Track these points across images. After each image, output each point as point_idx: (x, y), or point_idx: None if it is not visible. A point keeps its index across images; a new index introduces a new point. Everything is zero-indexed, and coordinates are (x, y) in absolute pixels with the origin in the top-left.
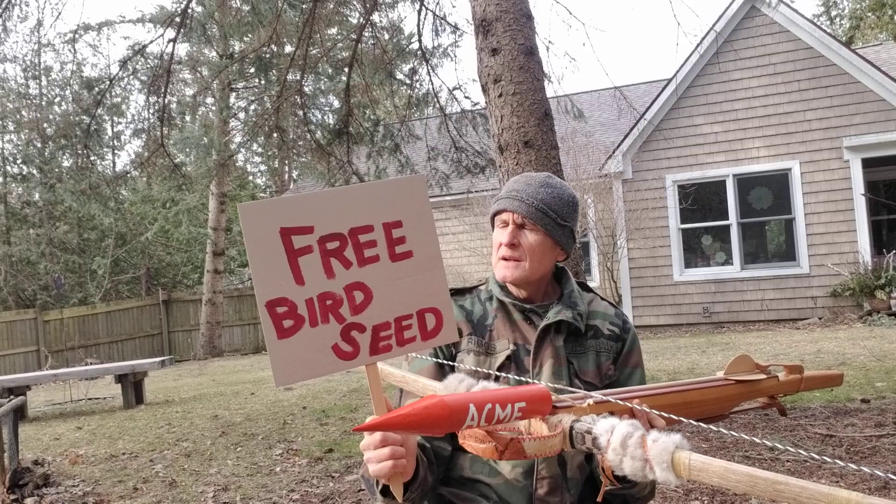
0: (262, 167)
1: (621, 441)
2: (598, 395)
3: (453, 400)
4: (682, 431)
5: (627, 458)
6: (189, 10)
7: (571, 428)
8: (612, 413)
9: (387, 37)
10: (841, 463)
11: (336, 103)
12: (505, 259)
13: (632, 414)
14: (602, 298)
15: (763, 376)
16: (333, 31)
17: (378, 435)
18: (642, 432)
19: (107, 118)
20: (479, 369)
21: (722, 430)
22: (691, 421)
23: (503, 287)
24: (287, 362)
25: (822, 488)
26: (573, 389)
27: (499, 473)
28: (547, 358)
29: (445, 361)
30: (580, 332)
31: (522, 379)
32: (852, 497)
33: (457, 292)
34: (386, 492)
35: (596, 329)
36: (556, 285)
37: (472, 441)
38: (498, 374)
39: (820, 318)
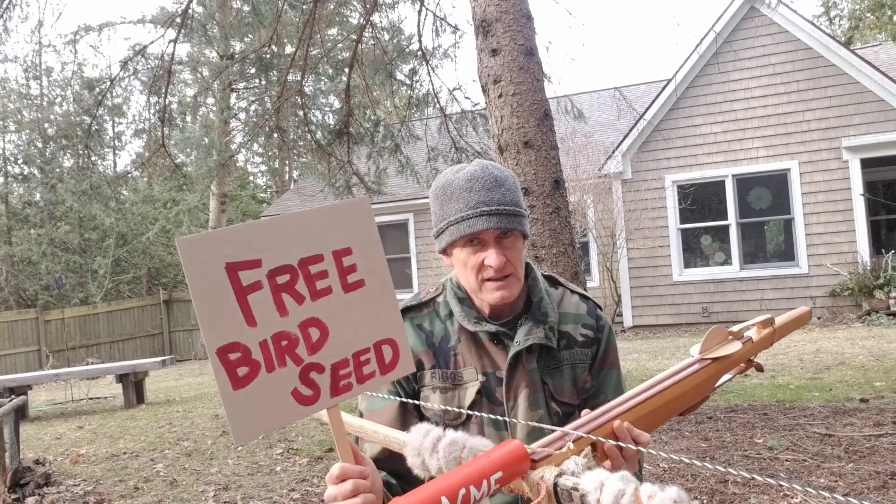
0: (263, 167)
1: (613, 501)
2: (574, 431)
3: (421, 500)
4: (679, 431)
5: None
6: (190, 11)
7: (556, 485)
8: (593, 447)
9: (387, 37)
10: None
11: (336, 104)
12: (495, 280)
13: (614, 436)
14: (572, 291)
15: (738, 344)
16: (334, 31)
17: (348, 484)
18: (635, 486)
19: (108, 118)
20: (448, 408)
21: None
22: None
23: (463, 300)
24: (245, 415)
25: None
26: (552, 428)
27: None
28: (522, 388)
29: (408, 401)
30: (552, 347)
31: (498, 419)
32: None
33: (412, 309)
34: None
35: (569, 338)
36: (523, 284)
37: None
38: (470, 412)
39: (819, 318)
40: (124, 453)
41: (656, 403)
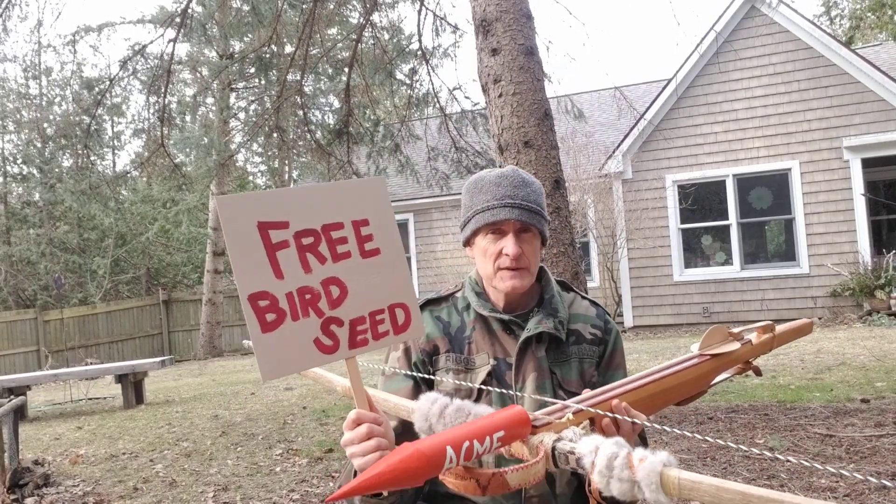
0: (262, 167)
1: (607, 463)
2: (575, 404)
3: (429, 446)
4: (678, 431)
5: (615, 481)
6: (189, 11)
7: (554, 449)
8: (591, 421)
9: (387, 37)
10: (832, 469)
11: (336, 103)
12: (510, 269)
13: (611, 411)
14: (583, 297)
15: (737, 344)
16: (333, 31)
17: (363, 428)
18: (627, 451)
19: (107, 118)
20: (461, 384)
21: (708, 438)
22: (677, 433)
23: (480, 294)
24: (272, 356)
25: (816, 503)
26: (553, 401)
27: None
28: (529, 372)
29: (424, 376)
30: (561, 340)
31: (505, 392)
32: None
33: (432, 302)
34: None
35: (578, 334)
36: (536, 285)
37: (453, 478)
38: (481, 387)
39: (820, 318)
40: (123, 454)
41: (654, 389)
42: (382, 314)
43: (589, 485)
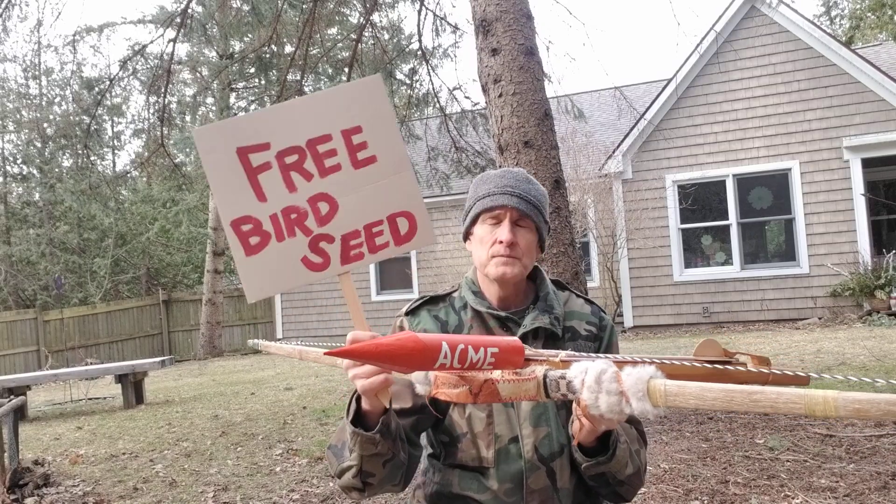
0: None
1: (595, 377)
2: (571, 352)
3: (427, 336)
4: (679, 431)
5: (603, 394)
6: (189, 11)
7: (545, 376)
8: None
9: (387, 37)
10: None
11: None
12: (501, 256)
13: None
14: (578, 296)
15: (730, 362)
16: (333, 31)
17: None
18: (616, 368)
19: (107, 118)
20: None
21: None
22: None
23: (477, 293)
24: (257, 277)
25: (797, 391)
26: (544, 351)
27: (487, 489)
28: None
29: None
30: (557, 336)
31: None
32: (829, 394)
33: (430, 301)
34: (357, 422)
35: (573, 331)
36: (531, 284)
37: (446, 387)
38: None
39: (820, 318)
40: (123, 454)
41: None
42: (380, 226)
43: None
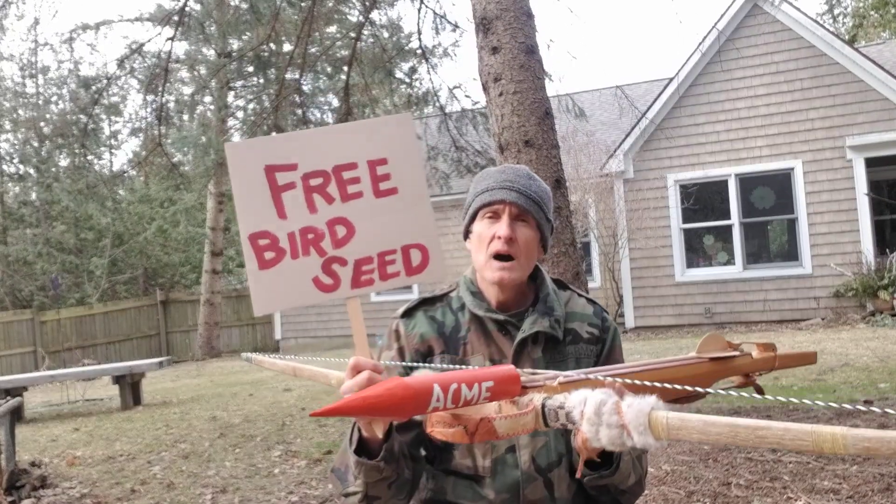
0: None
1: (595, 409)
2: (568, 373)
3: (416, 381)
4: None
5: (603, 427)
6: (187, 9)
7: (543, 406)
8: None
9: (386, 35)
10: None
11: (335, 102)
12: (500, 256)
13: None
14: (580, 295)
15: (736, 353)
16: (332, 29)
17: (364, 375)
18: (616, 399)
19: (104, 117)
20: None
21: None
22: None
23: (475, 294)
24: (267, 292)
25: (804, 427)
26: (543, 371)
27: (483, 498)
28: None
29: (419, 364)
30: (558, 339)
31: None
32: (837, 431)
33: (427, 301)
34: (360, 450)
35: (574, 333)
36: (531, 284)
37: (441, 427)
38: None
39: (823, 319)
40: (121, 455)
41: (647, 379)
42: (394, 255)
43: (577, 443)
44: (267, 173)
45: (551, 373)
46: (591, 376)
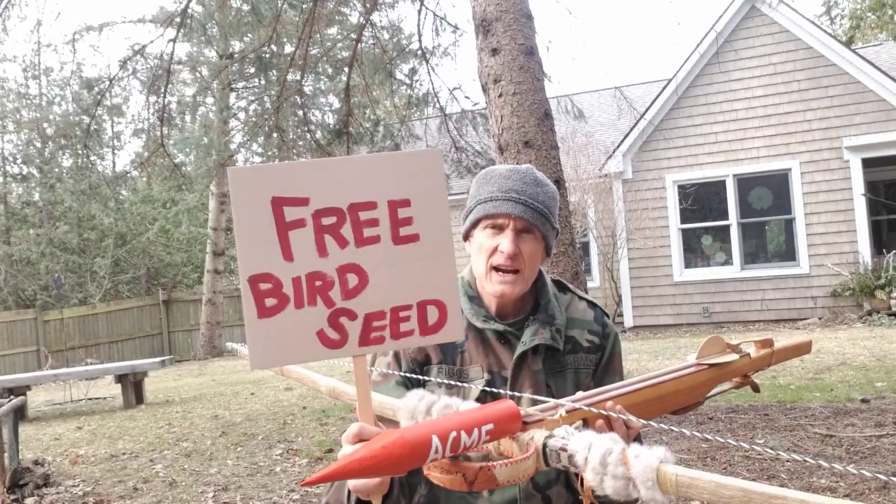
0: None
1: (601, 459)
2: (569, 402)
3: (414, 434)
4: (679, 432)
5: (609, 478)
6: (189, 10)
7: (545, 445)
8: (584, 421)
9: (387, 36)
10: (839, 466)
11: (336, 103)
12: (502, 270)
13: (607, 420)
14: (581, 298)
15: (735, 356)
16: (333, 30)
17: (355, 429)
18: (622, 447)
19: (107, 118)
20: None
21: (708, 437)
22: (672, 427)
23: (473, 298)
24: (266, 344)
25: (822, 500)
26: (545, 399)
27: None
28: (526, 388)
29: (416, 376)
30: (558, 349)
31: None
32: None
33: None
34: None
35: (574, 342)
36: (531, 288)
37: (438, 472)
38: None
39: (820, 318)
40: (123, 454)
41: (650, 395)
42: (409, 311)
43: (581, 484)
44: (274, 207)
45: (552, 402)
46: (596, 398)
